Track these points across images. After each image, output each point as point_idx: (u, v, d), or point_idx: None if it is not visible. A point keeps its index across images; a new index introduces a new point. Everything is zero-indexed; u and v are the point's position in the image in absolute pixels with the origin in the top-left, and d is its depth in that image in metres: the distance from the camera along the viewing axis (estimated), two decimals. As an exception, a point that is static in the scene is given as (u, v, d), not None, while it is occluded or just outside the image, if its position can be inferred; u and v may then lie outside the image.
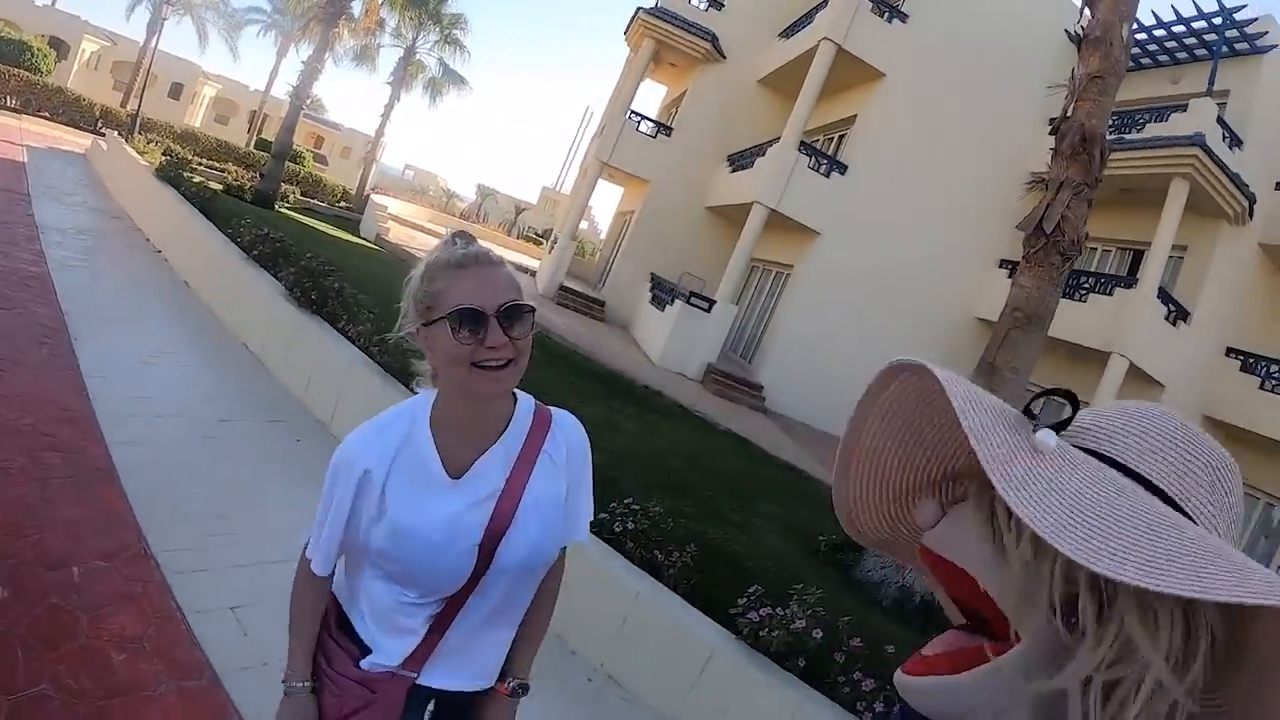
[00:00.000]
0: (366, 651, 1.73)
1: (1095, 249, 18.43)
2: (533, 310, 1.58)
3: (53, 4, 39.39)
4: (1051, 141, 7.41)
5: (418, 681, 1.73)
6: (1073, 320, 14.50)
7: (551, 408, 1.81)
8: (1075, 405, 0.82)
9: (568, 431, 1.79)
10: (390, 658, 1.70)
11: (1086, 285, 16.25)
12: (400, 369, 6.77)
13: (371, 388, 6.53)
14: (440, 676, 1.76)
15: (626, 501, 5.24)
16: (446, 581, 1.65)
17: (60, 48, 36.57)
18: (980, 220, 18.39)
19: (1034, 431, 0.75)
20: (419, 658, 1.71)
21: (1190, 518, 0.74)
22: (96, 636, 3.29)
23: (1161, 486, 0.75)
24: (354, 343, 7.33)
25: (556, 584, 1.94)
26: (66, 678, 3.01)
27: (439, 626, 1.70)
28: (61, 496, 4.31)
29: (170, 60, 41.20)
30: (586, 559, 4.63)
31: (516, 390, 1.71)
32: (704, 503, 7.58)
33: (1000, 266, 18.16)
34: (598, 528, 4.94)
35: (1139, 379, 15.27)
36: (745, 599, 4.44)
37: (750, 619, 4.30)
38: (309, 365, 7.29)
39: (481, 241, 1.72)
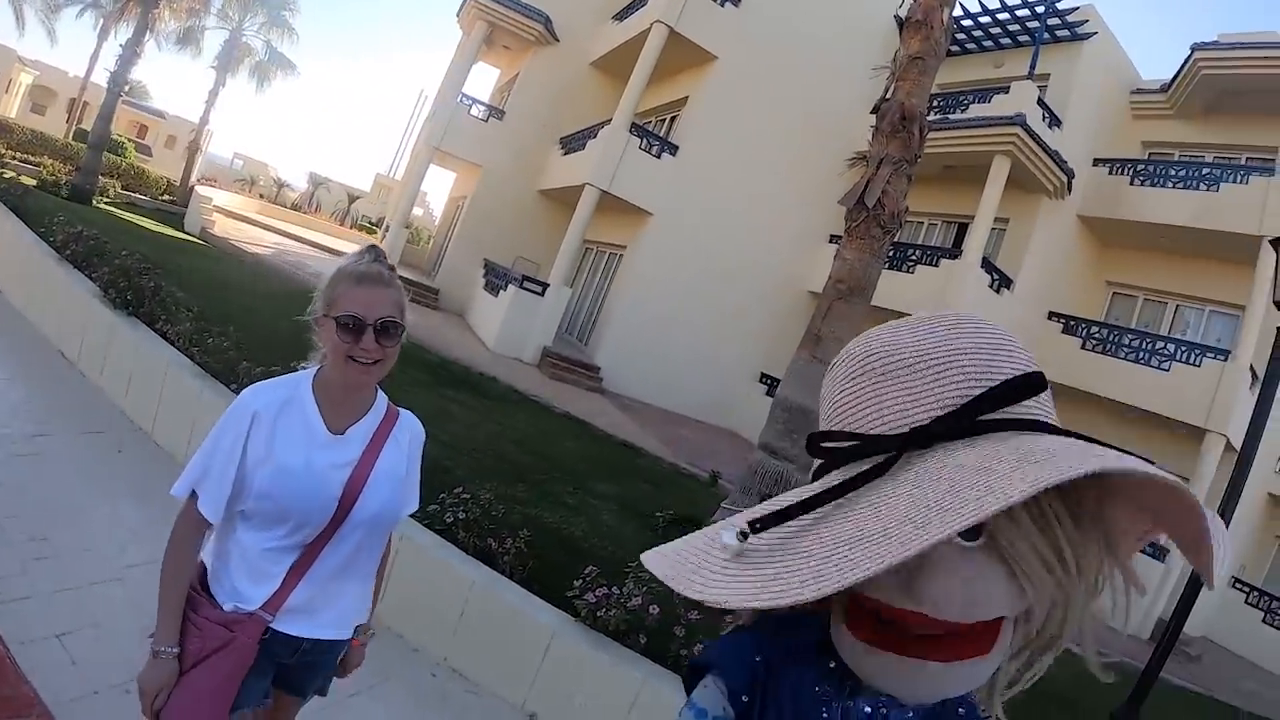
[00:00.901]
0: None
1: (922, 223, 19.61)
2: (403, 328, 2.02)
3: None
4: (873, 121, 7.79)
5: (274, 627, 2.00)
6: (901, 290, 15.45)
7: (398, 406, 2.24)
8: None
9: (411, 423, 2.24)
10: (250, 601, 1.99)
11: (914, 257, 17.28)
12: (221, 369, 6.64)
13: (191, 390, 6.37)
14: (298, 625, 2.05)
15: (456, 491, 5.27)
16: (315, 518, 1.99)
17: None
18: (810, 198, 19.21)
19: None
20: (276, 602, 1.99)
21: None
22: None
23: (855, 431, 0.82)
24: (173, 343, 7.12)
25: (389, 553, 2.35)
26: None
27: (297, 571, 2.02)
28: None
29: (-18, 45, 38.61)
30: (420, 552, 4.73)
31: (378, 387, 2.16)
32: (539, 487, 7.63)
33: (830, 242, 18.93)
34: (429, 519, 5.01)
35: (970, 343, 16.15)
36: (581, 580, 4.57)
37: (587, 600, 4.40)
38: (128, 370, 7.09)
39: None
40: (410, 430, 2.23)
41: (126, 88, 20.62)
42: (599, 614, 4.36)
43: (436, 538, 4.93)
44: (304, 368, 2.14)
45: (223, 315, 8.69)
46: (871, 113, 8.04)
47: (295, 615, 2.03)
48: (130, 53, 20.16)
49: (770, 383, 18.13)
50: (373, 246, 2.15)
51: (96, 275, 8.26)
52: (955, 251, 16.80)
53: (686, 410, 18.73)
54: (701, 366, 18.63)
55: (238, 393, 6.38)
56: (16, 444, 5.68)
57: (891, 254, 16.45)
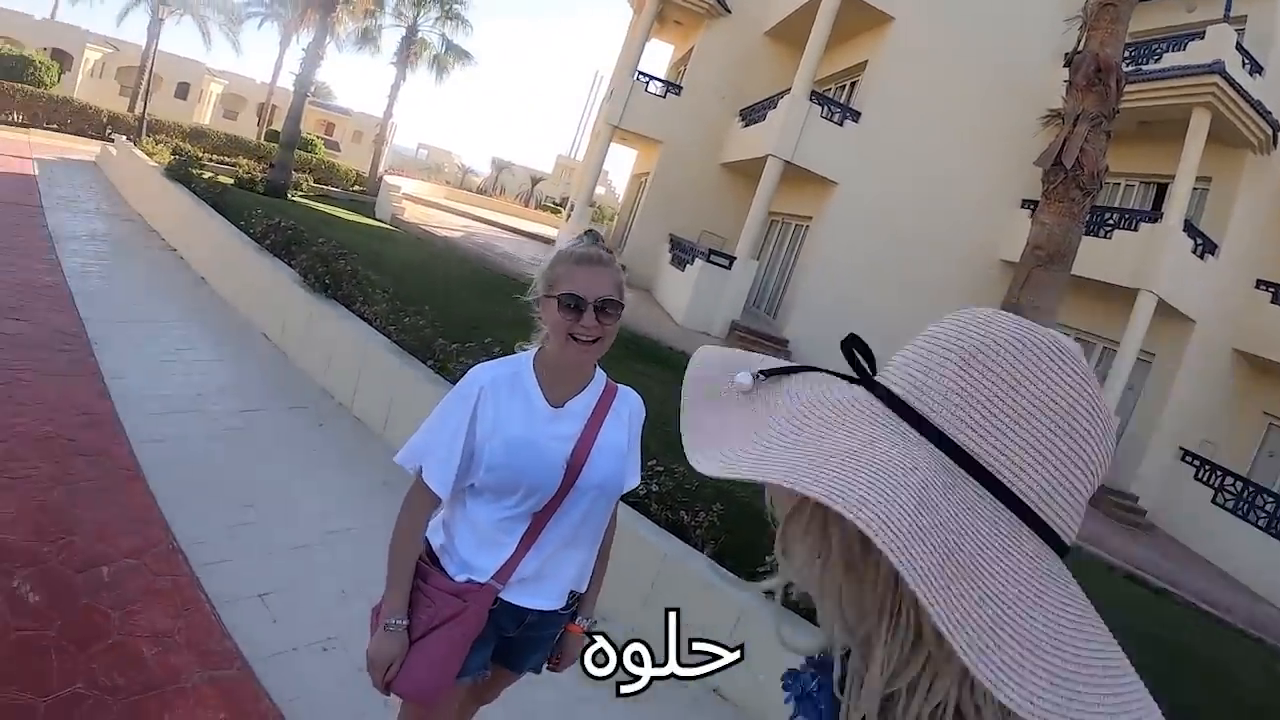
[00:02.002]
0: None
1: (1118, 184, 18.10)
2: (622, 306, 2.05)
3: (52, 17, 39.40)
4: (1066, 75, 7.20)
5: (503, 597, 2.07)
6: (1099, 257, 14.28)
7: (619, 384, 2.27)
8: (861, 353, 0.78)
9: (630, 398, 2.26)
10: (483, 572, 2.05)
11: (1111, 221, 15.96)
12: (417, 346, 6.78)
13: (389, 366, 6.52)
14: (525, 596, 2.11)
15: (650, 464, 5.12)
16: (543, 487, 2.02)
17: (64, 59, 36.56)
18: (1000, 161, 17.99)
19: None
20: (507, 572, 2.06)
21: (921, 416, 0.67)
22: (128, 633, 3.32)
23: (897, 393, 0.70)
24: (370, 323, 7.34)
25: (614, 527, 2.36)
26: (100, 676, 3.04)
27: (527, 540, 2.06)
28: (88, 499, 4.32)
29: (175, 61, 41.24)
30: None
31: (597, 364, 2.19)
32: None
33: (1022, 206, 17.79)
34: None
35: (1168, 315, 15.01)
36: (771, 556, 4.31)
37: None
38: (327, 349, 7.29)
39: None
40: (630, 405, 2.25)
41: (311, 89, 21.37)
42: (790, 593, 4.03)
43: (629, 509, 4.78)
44: (525, 349, 2.19)
45: (416, 295, 8.86)
46: (1064, 66, 7.39)
47: (524, 586, 2.09)
48: (312, 56, 20.82)
49: (963, 358, 17.04)
50: (590, 231, 2.18)
51: (295, 262, 8.56)
52: (1155, 214, 15.40)
53: (878, 386, 17.96)
54: (891, 340, 17.10)
55: (434, 368, 6.48)
56: (225, 420, 5.98)
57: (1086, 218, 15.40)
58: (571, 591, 2.22)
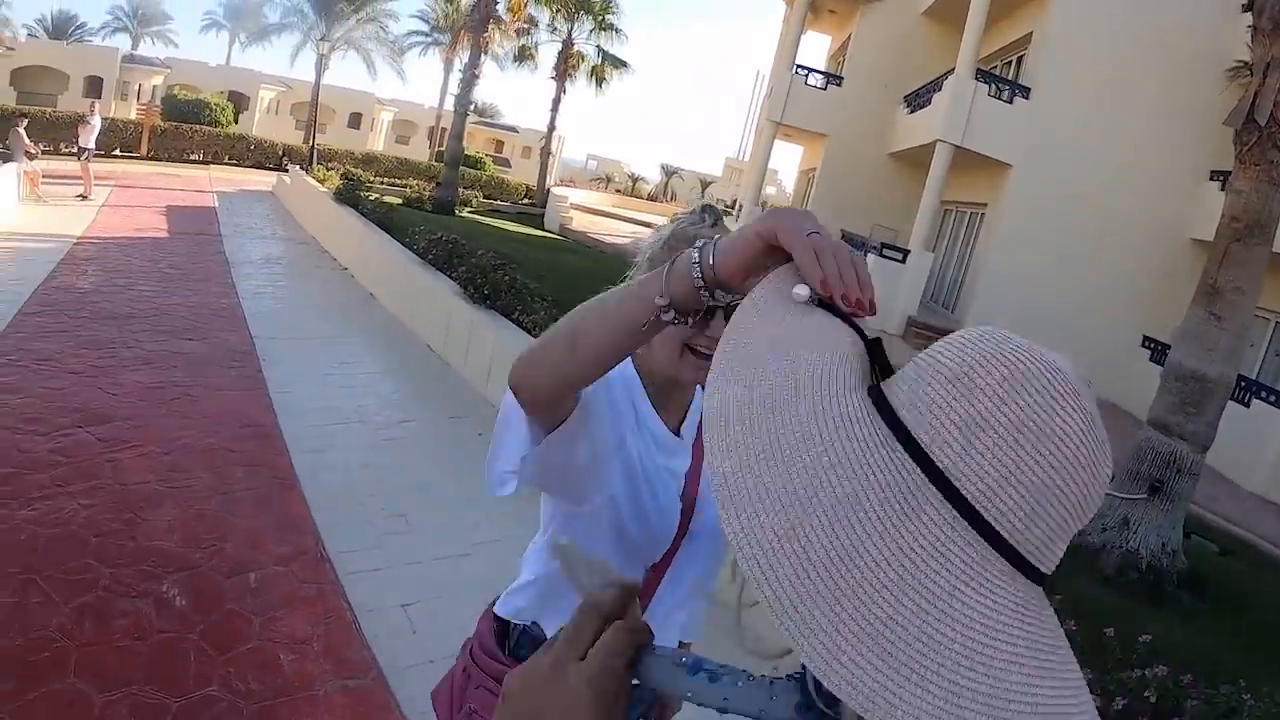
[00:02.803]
0: None
1: None
2: None
3: (226, 63, 42.07)
4: (1250, 20, 6.45)
5: None
6: None
7: None
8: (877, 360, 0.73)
9: None
10: None
11: None
12: None
13: None
14: None
15: None
16: (660, 529, 1.57)
17: (240, 100, 39.07)
18: (1183, 129, 16.52)
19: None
20: None
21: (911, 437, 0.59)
22: (267, 639, 3.37)
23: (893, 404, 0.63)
24: (529, 331, 7.30)
25: None
26: (235, 679, 3.10)
27: (644, 597, 1.61)
28: (243, 507, 4.43)
29: (346, 93, 43.38)
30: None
31: None
32: None
33: (1211, 179, 16.13)
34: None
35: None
36: None
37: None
38: (487, 359, 7.32)
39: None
40: None
41: (472, 107, 21.89)
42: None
43: None
44: None
45: (578, 302, 8.69)
46: (1245, 10, 6.54)
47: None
48: (469, 76, 21.31)
49: (1154, 347, 15.75)
50: (708, 207, 1.58)
51: (455, 274, 8.67)
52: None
53: (1062, 382, 16.89)
54: (1075, 332, 16.49)
55: None
56: (385, 430, 6.10)
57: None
58: (680, 643, 1.78)
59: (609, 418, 1.48)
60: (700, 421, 1.48)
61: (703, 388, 0.91)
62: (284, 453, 5.23)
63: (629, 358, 1.50)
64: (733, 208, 37.42)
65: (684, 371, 1.46)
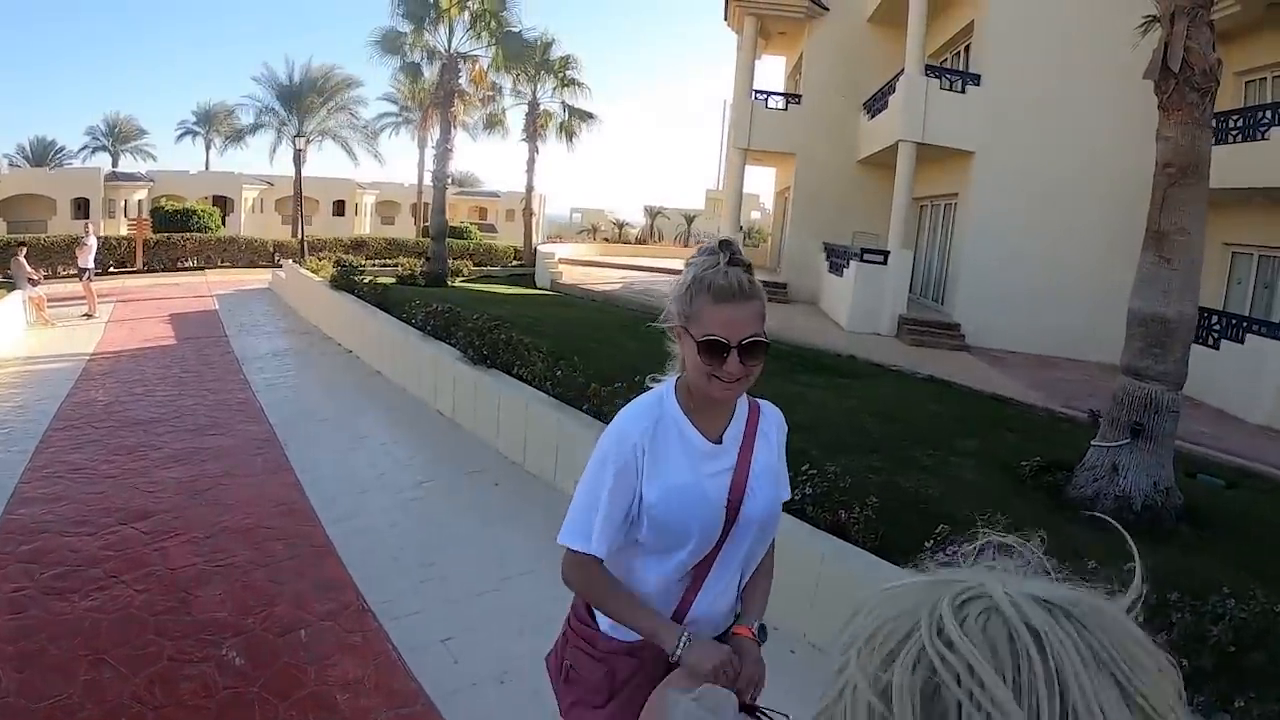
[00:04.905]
0: None
1: (1264, 79, 16.42)
2: (768, 345, 1.86)
3: (206, 168, 42.82)
4: None
5: None
6: (1260, 160, 13.10)
7: (756, 398, 2.13)
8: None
9: (773, 414, 2.13)
10: None
11: (1265, 120, 14.33)
12: (573, 396, 7.04)
13: (551, 421, 6.79)
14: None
15: (803, 468, 5.10)
16: (708, 532, 1.91)
17: (225, 203, 39.87)
18: (1130, 88, 16.75)
19: None
20: (678, 618, 1.97)
21: None
22: (323, 683, 3.67)
23: None
24: (529, 383, 7.66)
25: (773, 545, 2.20)
26: (298, 719, 3.43)
27: (695, 585, 1.98)
28: (286, 575, 4.77)
29: (327, 183, 43.83)
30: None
31: None
32: (896, 454, 7.28)
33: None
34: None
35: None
36: (931, 541, 4.27)
37: (938, 560, 4.00)
38: (494, 414, 7.68)
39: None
40: (775, 422, 2.12)
41: (450, 179, 22.29)
42: None
43: (785, 515, 4.66)
44: (657, 380, 2.07)
45: (571, 349, 9.17)
46: None
47: (694, 627, 1.95)
48: (443, 150, 21.83)
49: (1141, 304, 15.93)
50: (725, 242, 1.92)
51: (454, 340, 9.12)
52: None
53: (1059, 350, 16.79)
54: (1064, 299, 16.69)
55: (590, 413, 6.66)
56: (407, 491, 6.49)
57: (1238, 122, 13.89)
58: (736, 616, 2.11)
59: (649, 473, 1.89)
60: (744, 429, 2.00)
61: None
62: (317, 523, 5.57)
63: (670, 391, 1.98)
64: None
65: (713, 391, 1.85)
